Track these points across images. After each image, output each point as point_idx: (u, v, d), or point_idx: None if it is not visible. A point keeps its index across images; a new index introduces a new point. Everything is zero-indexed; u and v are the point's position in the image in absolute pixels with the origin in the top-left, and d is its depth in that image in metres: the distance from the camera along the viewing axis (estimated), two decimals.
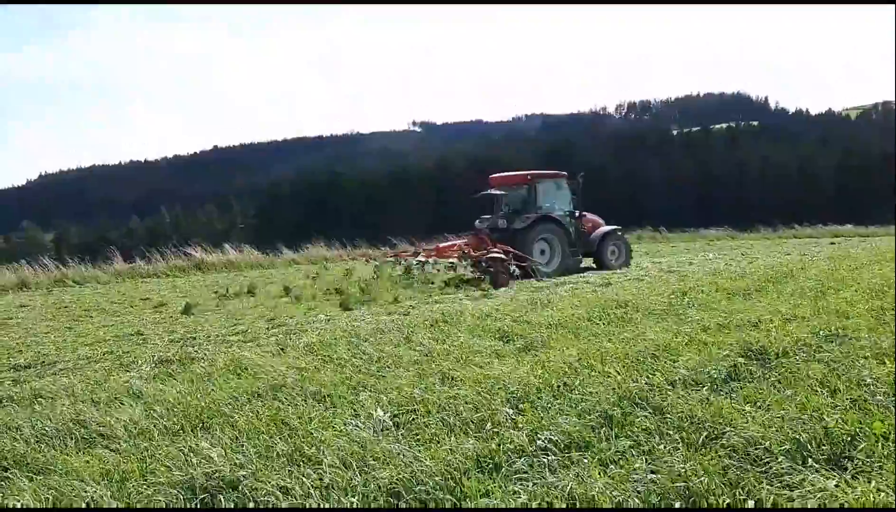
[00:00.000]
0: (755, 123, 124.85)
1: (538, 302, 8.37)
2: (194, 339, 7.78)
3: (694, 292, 8.02)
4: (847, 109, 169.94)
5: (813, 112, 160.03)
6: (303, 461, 3.43)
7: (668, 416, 3.63)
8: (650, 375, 4.37)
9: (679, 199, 61.77)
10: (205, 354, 6.59)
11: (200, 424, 4.24)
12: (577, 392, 4.12)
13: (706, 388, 4.06)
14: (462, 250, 13.21)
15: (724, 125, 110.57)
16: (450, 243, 14.67)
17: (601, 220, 15.90)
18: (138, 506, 3.09)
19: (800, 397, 3.71)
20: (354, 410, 4.23)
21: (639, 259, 16.61)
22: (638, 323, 6.41)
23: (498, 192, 15.09)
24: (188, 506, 3.06)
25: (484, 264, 12.14)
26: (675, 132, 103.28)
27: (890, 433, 3.10)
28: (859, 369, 4.10)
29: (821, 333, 5.09)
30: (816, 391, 3.81)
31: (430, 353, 5.73)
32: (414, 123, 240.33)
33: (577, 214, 15.17)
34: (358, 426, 3.91)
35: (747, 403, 3.71)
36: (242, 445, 3.71)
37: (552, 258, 14.19)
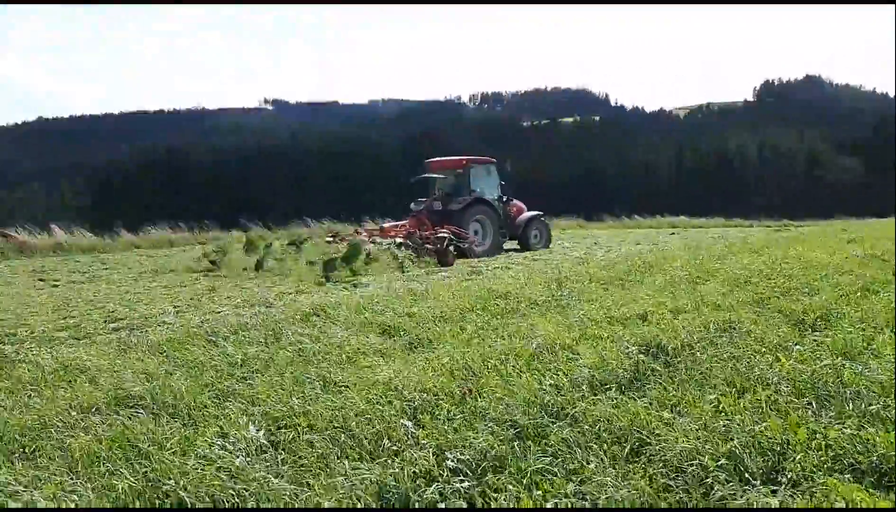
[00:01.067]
0: (596, 118, 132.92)
1: (417, 292, 7.91)
2: (14, 335, 6.54)
3: (569, 282, 7.94)
4: (677, 109, 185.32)
5: (647, 110, 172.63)
6: (157, 500, 2.75)
7: (584, 424, 3.31)
8: (554, 376, 4.06)
9: (533, 188, 64.18)
10: (27, 356, 5.49)
11: (21, 451, 3.37)
12: (481, 399, 3.71)
13: (613, 389, 3.81)
14: (409, 231, 13.94)
15: (571, 118, 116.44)
16: (392, 224, 15.60)
17: (524, 206, 17.16)
18: None
19: (712, 399, 3.55)
20: (220, 428, 3.54)
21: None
22: (525, 315, 6.15)
23: (436, 175, 16.01)
24: None
25: (431, 244, 12.81)
26: (525, 124, 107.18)
27: (813, 439, 2.96)
28: (760, 366, 4.02)
29: (711, 326, 5.05)
30: (725, 392, 3.67)
31: (304, 353, 5.09)
32: (265, 101, 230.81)
33: (504, 199, 16.38)
34: (226, 449, 3.25)
35: (662, 407, 3.47)
36: (77, 481, 2.94)
37: (485, 239, 15.20)
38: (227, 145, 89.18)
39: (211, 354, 5.20)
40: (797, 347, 4.48)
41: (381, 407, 3.65)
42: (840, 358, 4.12)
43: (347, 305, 7.09)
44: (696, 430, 3.12)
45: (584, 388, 3.86)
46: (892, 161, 70.76)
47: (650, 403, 3.54)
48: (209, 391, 4.21)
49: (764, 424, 3.07)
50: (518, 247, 16.55)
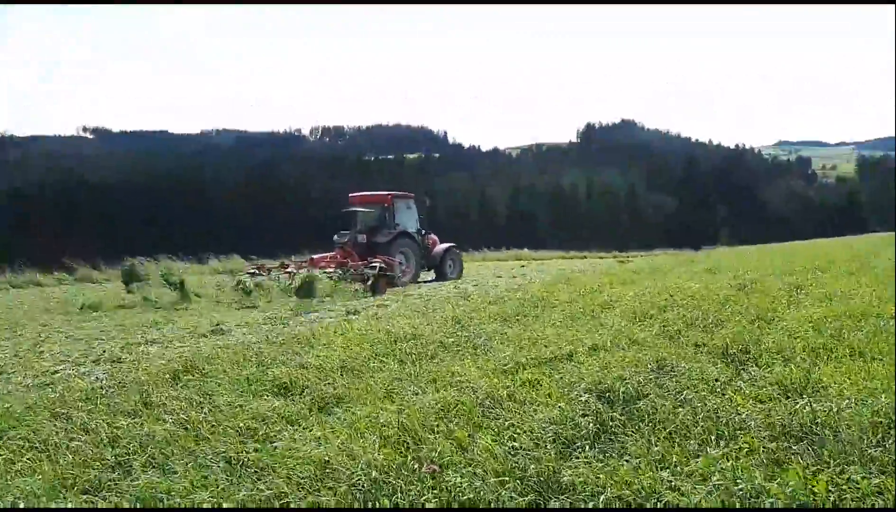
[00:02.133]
0: (437, 155, 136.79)
1: (309, 336, 7.02)
2: None
3: (465, 320, 7.48)
4: (510, 148, 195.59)
5: (483, 149, 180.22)
6: None
7: (582, 494, 2.79)
8: (514, 435, 3.50)
9: None
10: None
11: None
12: (443, 480, 3.03)
13: (587, 448, 3.33)
14: (340, 262, 14.74)
15: (415, 155, 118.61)
16: (321, 255, 15.90)
17: (437, 238, 18.22)
18: None
19: (695, 450, 3.19)
20: None
21: None
22: (439, 360, 5.56)
23: (361, 209, 16.85)
24: None
25: (367, 272, 13.59)
26: (370, 158, 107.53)
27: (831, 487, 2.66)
28: (723, 409, 3.74)
29: (642, 365, 4.77)
30: (705, 441, 3.32)
31: (190, 424, 4.12)
32: (85, 129, 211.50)
33: (422, 232, 17.55)
34: None
35: (656, 467, 3.04)
36: None
37: (408, 269, 16.07)
38: (38, 177, 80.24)
39: (65, 429, 4.08)
40: (740, 383, 4.30)
41: (323, 497, 2.87)
42: (793, 394, 3.97)
43: (222, 357, 6.08)
44: (709, 492, 2.70)
45: (549, 447, 3.35)
46: (699, 199, 79.45)
47: (638, 463, 3.09)
48: (71, 490, 3.18)
49: (777, 479, 2.72)
50: (434, 276, 17.56)
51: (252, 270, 15.07)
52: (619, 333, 5.98)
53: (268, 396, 4.77)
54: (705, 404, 3.85)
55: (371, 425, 3.85)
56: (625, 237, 61.62)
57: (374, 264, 13.83)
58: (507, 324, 7.18)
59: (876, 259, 12.05)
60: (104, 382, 5.49)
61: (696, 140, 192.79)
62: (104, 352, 7.38)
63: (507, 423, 3.73)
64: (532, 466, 3.09)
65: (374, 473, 3.06)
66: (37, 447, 3.82)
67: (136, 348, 7.56)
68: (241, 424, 4.07)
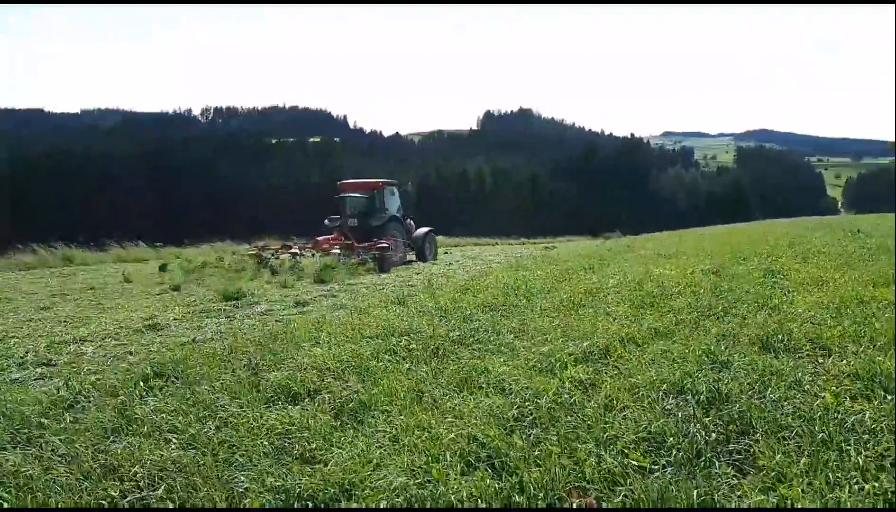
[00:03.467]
0: (337, 139, 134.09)
1: (276, 332, 6.19)
2: None
3: (453, 311, 6.85)
4: (411, 134, 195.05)
5: (385, 134, 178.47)
6: None
7: None
8: (623, 454, 2.98)
9: (296, 205, 61.98)
10: None
11: None
12: None
13: (713, 467, 2.86)
14: (344, 243, 16.07)
15: (317, 138, 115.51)
16: (324, 238, 16.94)
17: (413, 223, 19.04)
18: None
19: (828, 464, 2.80)
20: None
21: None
22: (455, 356, 4.94)
23: (354, 195, 17.93)
24: None
25: (374, 253, 14.74)
26: (271, 141, 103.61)
27: None
28: (811, 408, 3.38)
29: (698, 360, 4.36)
30: (811, 452, 2.93)
31: (185, 438, 3.31)
32: None
33: (405, 217, 18.62)
34: None
35: (799, 493, 2.60)
36: None
37: (397, 251, 16.53)
38: None
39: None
40: (808, 379, 3.97)
41: None
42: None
43: (208, 352, 5.20)
44: None
45: (681, 469, 2.86)
46: (599, 186, 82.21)
47: (769, 490, 2.63)
48: None
49: None
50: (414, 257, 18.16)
51: (252, 252, 16.08)
52: (638, 324, 5.58)
53: (280, 402, 4.01)
54: (792, 403, 3.49)
55: (430, 441, 3.21)
56: (530, 224, 62.71)
57: (382, 245, 15.18)
58: (496, 313, 6.64)
59: (809, 243, 12.40)
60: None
61: (590, 129, 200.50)
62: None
63: (603, 434, 3.20)
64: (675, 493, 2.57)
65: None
66: (3, 483, 2.92)
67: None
68: (260, 440, 3.32)
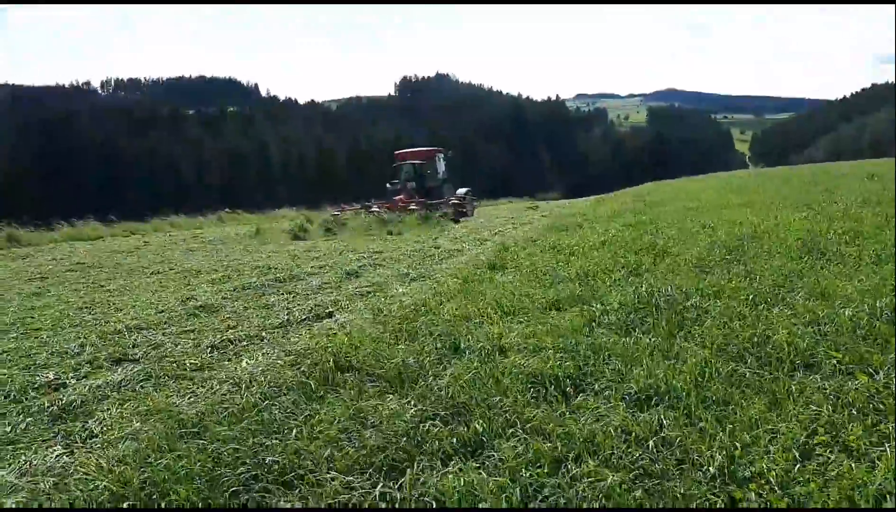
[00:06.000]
0: (248, 108, 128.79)
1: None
2: None
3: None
4: (327, 101, 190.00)
5: (301, 101, 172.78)
6: None
7: None
8: None
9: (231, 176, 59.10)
10: None
11: None
12: None
13: None
14: (418, 201, 18.31)
15: (234, 108, 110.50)
16: (398, 197, 18.91)
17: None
18: None
19: None
20: None
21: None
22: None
23: (412, 162, 20.61)
24: None
25: (449, 208, 17.80)
26: (188, 112, 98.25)
27: None
28: None
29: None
30: None
31: None
32: None
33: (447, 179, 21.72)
34: None
35: None
36: None
37: (469, 206, 19.64)
38: None
39: None
40: None
41: None
42: None
43: None
44: None
45: None
46: (528, 149, 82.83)
47: None
48: None
49: None
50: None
51: (335, 213, 18.07)
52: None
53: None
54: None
55: None
56: (470, 186, 62.32)
57: (454, 201, 18.41)
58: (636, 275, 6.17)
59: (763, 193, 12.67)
60: None
61: (509, 93, 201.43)
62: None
63: None
64: None
65: None
66: None
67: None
68: None
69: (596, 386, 3.37)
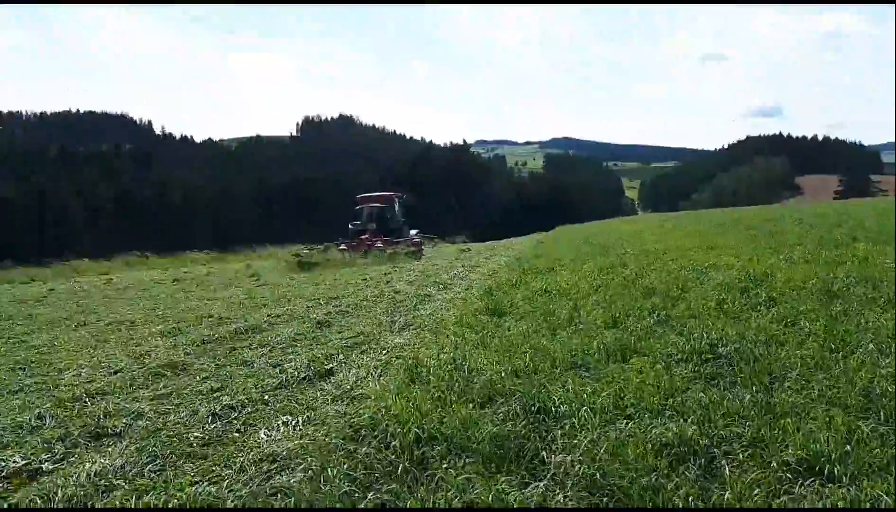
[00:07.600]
0: (132, 145, 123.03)
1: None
2: None
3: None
4: (225, 139, 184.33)
5: (198, 139, 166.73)
6: None
7: None
8: None
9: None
10: None
11: None
12: None
13: None
14: (383, 240, 20.29)
15: (129, 146, 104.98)
16: (363, 238, 20.90)
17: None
18: None
19: None
20: None
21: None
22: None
23: (373, 205, 22.81)
24: None
25: (411, 248, 19.41)
26: (80, 150, 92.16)
27: None
28: None
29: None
30: None
31: None
32: None
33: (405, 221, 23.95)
34: None
35: None
36: None
37: (427, 246, 21.17)
38: None
39: None
40: None
41: None
42: None
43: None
44: None
45: None
46: (436, 192, 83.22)
47: None
48: None
49: None
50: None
51: (306, 251, 19.40)
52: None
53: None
54: None
55: None
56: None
57: (416, 241, 20.98)
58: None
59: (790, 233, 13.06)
60: None
61: (412, 137, 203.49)
62: None
63: None
64: None
65: None
66: None
67: None
68: None
69: (740, 455, 2.91)
